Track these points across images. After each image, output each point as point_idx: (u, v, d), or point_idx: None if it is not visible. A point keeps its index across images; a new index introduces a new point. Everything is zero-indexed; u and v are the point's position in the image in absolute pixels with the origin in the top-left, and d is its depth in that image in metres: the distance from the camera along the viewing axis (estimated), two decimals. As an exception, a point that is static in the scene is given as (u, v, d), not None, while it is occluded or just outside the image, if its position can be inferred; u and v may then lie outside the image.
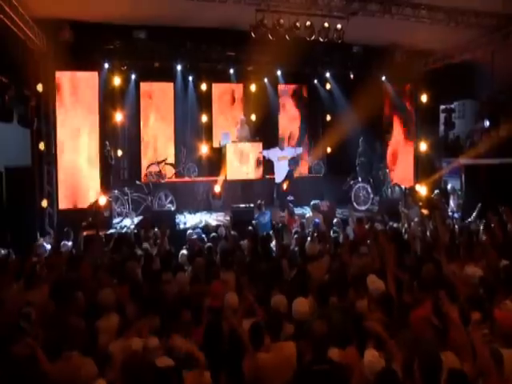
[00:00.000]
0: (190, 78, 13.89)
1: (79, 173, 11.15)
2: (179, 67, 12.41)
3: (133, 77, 13.40)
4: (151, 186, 11.30)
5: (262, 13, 9.15)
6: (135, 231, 9.34)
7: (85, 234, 9.19)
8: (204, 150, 14.49)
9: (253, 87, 14.71)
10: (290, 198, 12.16)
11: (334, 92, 14.59)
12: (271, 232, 9.11)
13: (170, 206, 11.28)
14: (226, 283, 5.68)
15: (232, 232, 8.80)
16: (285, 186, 12.94)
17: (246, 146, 13.13)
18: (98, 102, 11.44)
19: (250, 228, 9.15)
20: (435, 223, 8.59)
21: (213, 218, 11.38)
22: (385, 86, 13.78)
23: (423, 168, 13.83)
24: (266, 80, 14.73)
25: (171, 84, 14.02)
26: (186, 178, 13.47)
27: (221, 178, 12.53)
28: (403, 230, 9.60)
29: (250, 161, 13.08)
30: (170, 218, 9.65)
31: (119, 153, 13.36)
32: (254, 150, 13.17)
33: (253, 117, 14.84)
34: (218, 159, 13.91)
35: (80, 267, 6.15)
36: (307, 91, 15.67)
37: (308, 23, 9.38)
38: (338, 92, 14.33)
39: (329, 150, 15.52)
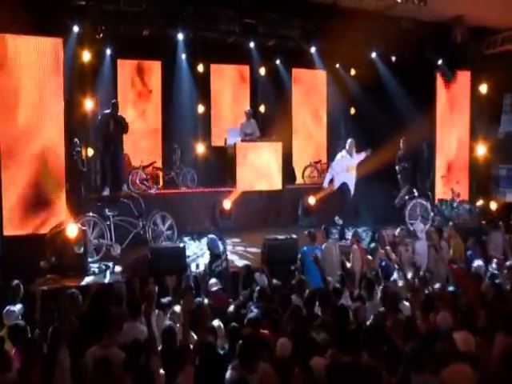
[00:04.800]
0: (183, 56, 10.55)
1: (36, 184, 7.50)
2: (181, 36, 8.79)
3: (108, 51, 10.05)
4: (143, 204, 7.73)
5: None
6: (125, 281, 6.05)
7: (44, 287, 5.84)
8: (200, 149, 11.23)
9: (263, 70, 11.57)
10: (339, 220, 8.93)
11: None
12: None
13: (169, 233, 7.79)
14: None
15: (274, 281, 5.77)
16: (313, 201, 9.84)
17: (261, 146, 10.00)
18: (63, 81, 7.87)
19: (302, 277, 5.95)
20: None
21: (229, 250, 8.06)
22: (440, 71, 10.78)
23: (480, 177, 11.00)
24: (277, 61, 11.63)
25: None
26: (183, 189, 10.06)
27: (235, 192, 9.29)
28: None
29: (269, 166, 9.95)
30: (178, 260, 6.30)
31: (90, 152, 9.97)
32: (272, 151, 10.06)
33: (262, 108, 11.75)
34: (219, 163, 10.71)
35: None
36: (327, 76, 12.60)
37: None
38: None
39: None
